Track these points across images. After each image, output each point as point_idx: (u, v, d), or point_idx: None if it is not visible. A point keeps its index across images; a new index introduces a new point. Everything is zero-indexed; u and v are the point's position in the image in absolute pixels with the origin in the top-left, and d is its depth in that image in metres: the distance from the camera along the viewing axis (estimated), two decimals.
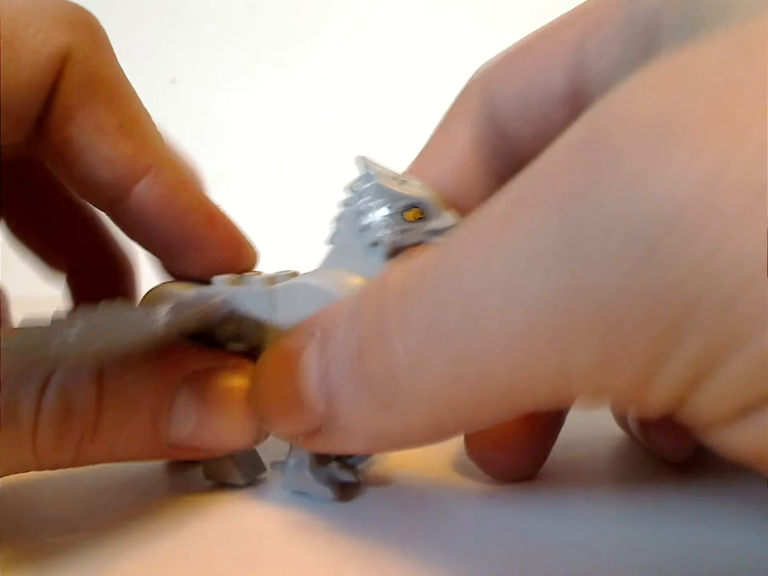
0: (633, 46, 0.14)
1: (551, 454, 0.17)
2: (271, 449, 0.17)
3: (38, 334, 0.12)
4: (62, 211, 0.21)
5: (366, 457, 0.17)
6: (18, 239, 0.21)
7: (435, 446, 0.15)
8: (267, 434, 0.16)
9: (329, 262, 0.17)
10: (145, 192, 0.16)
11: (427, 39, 0.63)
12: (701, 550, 0.13)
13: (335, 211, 0.17)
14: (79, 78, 0.15)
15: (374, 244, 0.15)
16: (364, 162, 0.16)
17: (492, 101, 0.17)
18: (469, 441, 0.16)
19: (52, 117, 0.15)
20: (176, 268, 0.18)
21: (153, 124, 0.17)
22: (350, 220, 0.16)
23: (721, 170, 0.07)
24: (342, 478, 0.16)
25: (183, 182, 0.17)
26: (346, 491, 0.16)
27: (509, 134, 0.17)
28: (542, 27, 0.16)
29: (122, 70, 0.16)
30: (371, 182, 0.15)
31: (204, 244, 0.17)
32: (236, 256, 0.17)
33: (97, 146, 0.15)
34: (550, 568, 0.13)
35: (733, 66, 0.08)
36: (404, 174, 0.17)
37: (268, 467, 0.17)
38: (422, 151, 0.19)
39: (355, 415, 0.12)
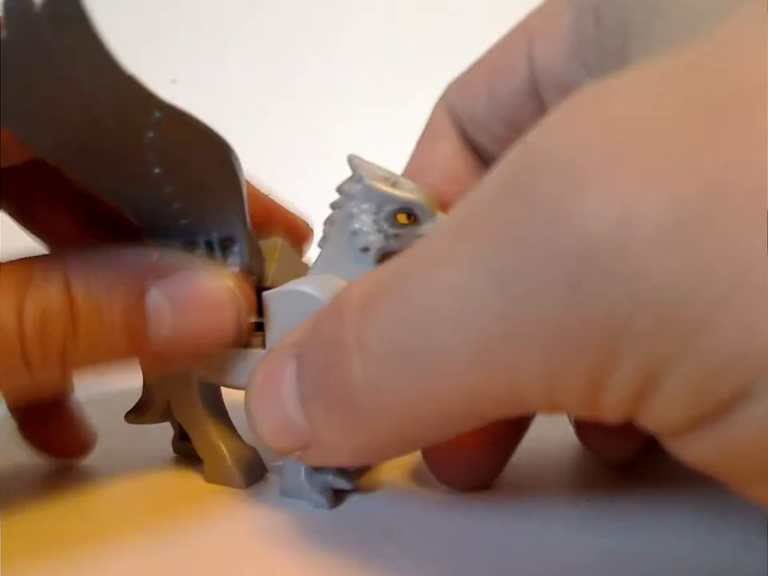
0: (580, 37, 0.14)
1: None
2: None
3: None
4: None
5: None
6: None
7: None
8: (248, 329, 0.16)
9: (319, 267, 0.16)
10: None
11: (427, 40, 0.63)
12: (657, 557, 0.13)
13: (326, 214, 0.16)
14: None
15: (364, 249, 0.15)
16: (355, 161, 0.16)
17: (457, 117, 0.17)
18: (424, 452, 0.16)
19: None
20: None
21: None
22: (340, 224, 0.16)
23: (631, 208, 0.07)
24: (337, 486, 0.16)
25: None
26: (340, 497, 0.16)
27: (482, 145, 0.17)
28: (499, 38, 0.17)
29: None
30: (361, 183, 0.15)
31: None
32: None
33: None
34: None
35: (647, 100, 0.08)
36: (397, 174, 0.17)
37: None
38: (405, 168, 0.19)
39: (330, 432, 0.12)
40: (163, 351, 0.15)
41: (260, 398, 0.13)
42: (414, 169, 0.18)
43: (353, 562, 0.14)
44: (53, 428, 0.19)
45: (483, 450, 0.16)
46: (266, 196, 0.19)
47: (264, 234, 0.17)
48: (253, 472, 0.17)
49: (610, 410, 0.09)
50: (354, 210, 0.15)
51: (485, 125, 0.17)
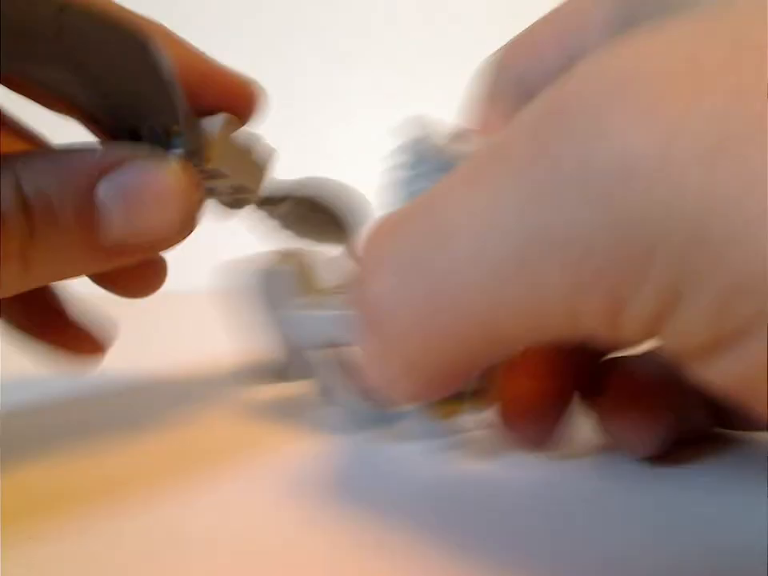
0: (621, 19, 0.14)
1: None
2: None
3: None
4: None
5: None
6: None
7: None
8: (195, 223, 0.16)
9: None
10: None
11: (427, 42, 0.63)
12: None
13: (389, 175, 0.16)
14: None
15: None
16: (420, 122, 0.15)
17: (519, 77, 0.17)
18: (498, 410, 0.17)
19: None
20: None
21: None
22: (403, 185, 0.16)
23: (676, 126, 0.08)
24: (441, 433, 0.17)
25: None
26: (460, 439, 0.17)
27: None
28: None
29: None
30: (425, 144, 0.15)
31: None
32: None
33: None
34: None
35: (691, 41, 0.08)
36: (463, 132, 0.17)
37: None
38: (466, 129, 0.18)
39: (371, 355, 0.13)
40: (117, 245, 0.15)
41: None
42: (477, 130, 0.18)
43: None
44: (61, 329, 0.20)
45: (554, 407, 0.16)
46: (206, 60, 0.18)
47: (206, 103, 0.17)
48: (380, 417, 0.19)
49: (632, 327, 0.09)
50: (419, 169, 0.15)
51: (531, 80, 0.17)
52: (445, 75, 0.63)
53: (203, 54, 0.18)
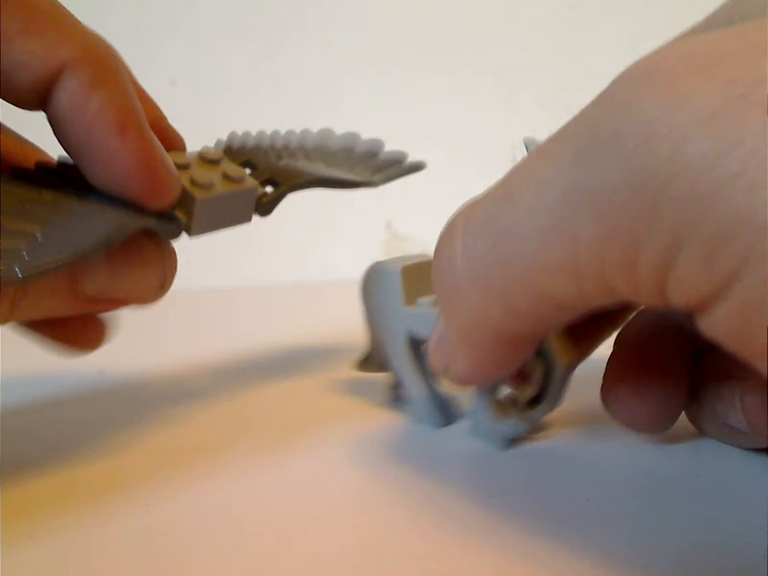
0: None
1: None
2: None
3: None
4: None
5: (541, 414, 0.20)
6: None
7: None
8: (168, 287, 0.18)
9: None
10: (59, 93, 0.15)
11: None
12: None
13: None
14: None
15: None
16: (532, 142, 0.18)
17: None
18: (603, 392, 0.18)
19: None
20: (89, 178, 0.16)
21: (67, 14, 0.16)
22: None
23: (683, 100, 0.10)
24: (514, 432, 0.19)
25: (99, 81, 0.15)
26: (515, 442, 0.19)
27: None
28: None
29: None
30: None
31: (110, 156, 0.15)
32: (148, 176, 0.16)
33: (6, 54, 0.14)
34: None
35: (705, 46, 0.10)
36: None
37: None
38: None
39: (444, 319, 0.15)
40: (98, 296, 0.17)
41: (434, 327, 0.16)
42: None
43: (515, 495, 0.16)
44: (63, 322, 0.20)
45: (664, 388, 0.17)
46: (155, 108, 0.19)
47: None
48: (449, 414, 0.21)
49: (645, 279, 0.11)
50: None
51: None
52: (443, 76, 0.63)
53: (151, 100, 0.19)
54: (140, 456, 0.19)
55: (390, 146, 0.27)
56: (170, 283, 0.18)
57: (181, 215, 0.18)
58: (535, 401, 0.19)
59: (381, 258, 0.21)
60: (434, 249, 0.15)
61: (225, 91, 0.66)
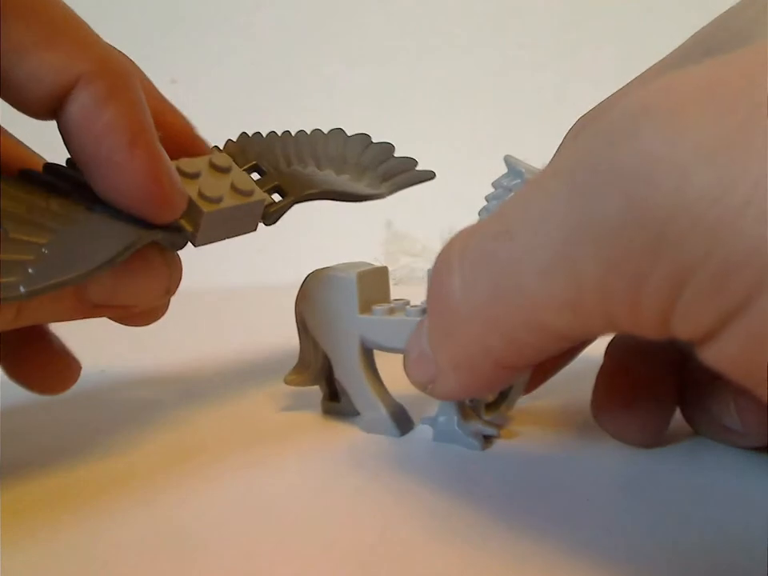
0: None
1: None
2: (420, 409, 0.21)
3: None
4: None
5: (502, 418, 0.21)
6: None
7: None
8: (173, 292, 0.18)
9: None
10: (72, 105, 0.15)
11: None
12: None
13: (472, 206, 0.18)
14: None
15: None
16: (512, 160, 0.18)
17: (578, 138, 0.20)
18: (595, 404, 0.18)
19: None
20: (96, 190, 0.16)
21: (83, 27, 0.16)
22: (498, 196, 0.18)
23: (680, 134, 0.10)
24: (486, 432, 0.19)
25: (112, 95, 0.15)
26: (488, 442, 0.19)
27: None
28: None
29: None
30: (521, 179, 0.17)
31: (118, 170, 0.16)
32: (154, 191, 0.16)
33: (22, 65, 0.15)
34: None
35: (701, 78, 0.10)
36: None
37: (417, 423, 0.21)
38: None
39: (433, 344, 0.15)
40: (103, 303, 0.17)
41: (410, 341, 0.16)
42: None
43: (501, 491, 0.17)
44: (34, 363, 0.20)
45: (654, 402, 0.17)
46: (174, 111, 0.19)
47: (169, 151, 0.17)
48: (405, 423, 0.21)
49: (649, 314, 0.10)
50: None
51: None
52: (443, 77, 0.63)
53: (176, 111, 0.20)
54: (139, 456, 0.19)
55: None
56: (175, 290, 0.18)
57: (187, 226, 0.18)
58: (495, 402, 0.20)
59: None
60: (429, 277, 0.15)
61: (224, 90, 0.66)
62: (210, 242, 0.19)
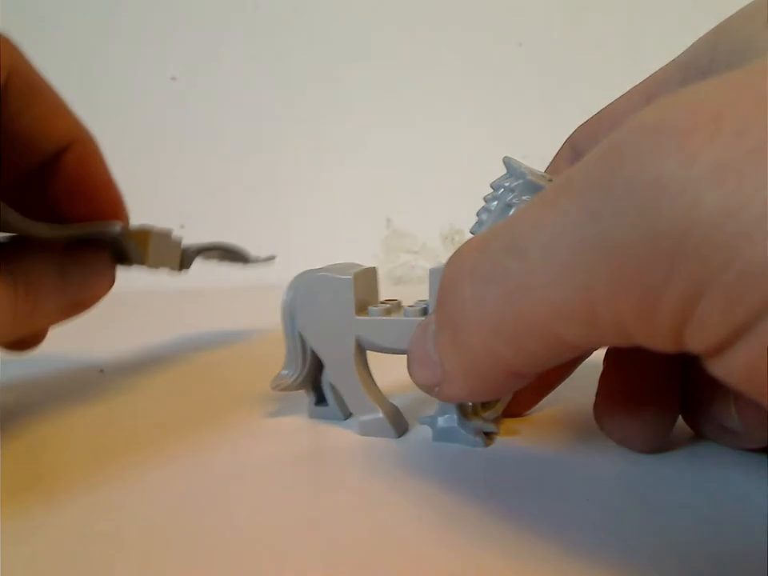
0: None
1: None
2: (417, 410, 0.22)
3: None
4: None
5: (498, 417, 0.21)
6: None
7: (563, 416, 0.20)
8: (113, 281, 0.25)
9: None
10: (70, 155, 0.23)
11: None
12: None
13: (471, 205, 0.18)
14: (21, 84, 0.21)
15: None
16: (512, 161, 0.18)
17: (576, 148, 0.22)
18: (598, 410, 0.18)
19: (6, 111, 0.21)
20: (67, 211, 0.24)
21: (68, 106, 0.23)
22: (496, 212, 0.18)
23: (695, 155, 0.10)
24: (486, 429, 0.19)
25: (94, 152, 0.24)
26: (489, 440, 0.20)
27: None
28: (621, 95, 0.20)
29: (37, 69, 0.22)
30: (523, 179, 0.17)
31: (97, 201, 0.24)
32: (120, 208, 0.25)
33: (40, 128, 0.22)
34: None
35: (710, 96, 0.11)
36: (547, 173, 0.19)
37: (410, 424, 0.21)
38: None
39: (441, 350, 0.15)
40: (74, 305, 0.23)
41: (415, 341, 0.17)
42: None
43: (502, 487, 0.17)
44: None
45: (656, 406, 0.18)
46: (109, 176, 0.25)
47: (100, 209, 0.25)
48: (401, 424, 0.21)
49: (663, 327, 0.11)
50: (514, 200, 0.18)
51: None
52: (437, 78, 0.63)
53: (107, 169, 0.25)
54: (137, 456, 0.20)
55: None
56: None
57: (139, 245, 0.26)
58: (488, 401, 0.20)
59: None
60: (439, 287, 0.15)
61: (223, 88, 0.66)
62: (155, 266, 0.26)
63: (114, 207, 0.25)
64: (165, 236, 0.28)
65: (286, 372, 0.22)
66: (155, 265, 0.27)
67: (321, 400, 0.22)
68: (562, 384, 0.21)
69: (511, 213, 0.18)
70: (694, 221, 0.10)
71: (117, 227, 0.24)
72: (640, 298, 0.11)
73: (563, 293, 0.12)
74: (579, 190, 0.12)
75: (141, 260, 0.25)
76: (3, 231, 0.21)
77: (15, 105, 0.21)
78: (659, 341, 0.11)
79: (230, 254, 0.34)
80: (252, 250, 0.38)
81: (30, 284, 0.21)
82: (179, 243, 0.29)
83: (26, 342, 0.25)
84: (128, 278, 0.27)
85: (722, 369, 0.10)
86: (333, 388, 0.21)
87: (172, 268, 0.28)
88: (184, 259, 0.29)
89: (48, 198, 0.24)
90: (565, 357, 0.13)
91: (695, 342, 0.10)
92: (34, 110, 0.22)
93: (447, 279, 0.15)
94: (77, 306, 0.24)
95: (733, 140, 0.10)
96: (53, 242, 0.23)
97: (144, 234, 0.26)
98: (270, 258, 0.38)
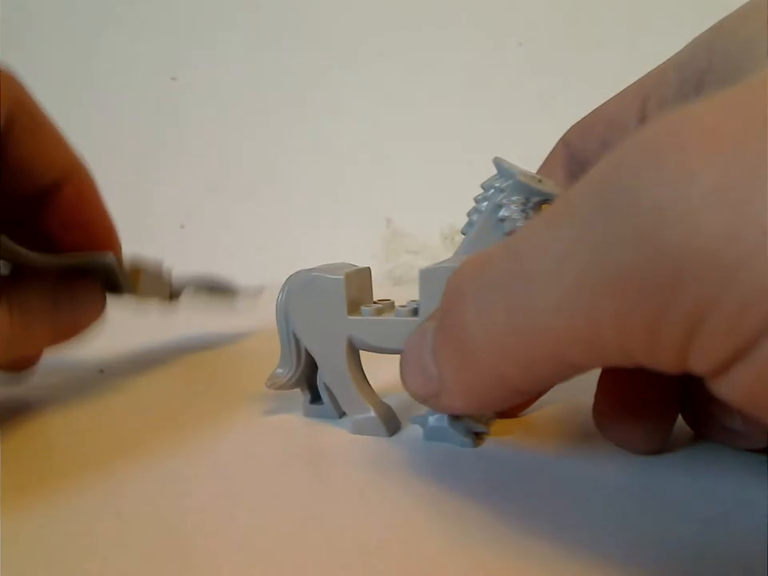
0: (683, 101, 0.17)
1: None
2: (409, 409, 0.21)
3: None
4: None
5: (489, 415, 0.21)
6: None
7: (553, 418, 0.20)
8: (104, 309, 0.26)
9: (466, 248, 0.19)
10: (68, 187, 0.24)
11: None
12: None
13: (470, 204, 0.19)
14: (23, 118, 0.22)
15: (511, 233, 0.17)
16: (502, 162, 0.18)
17: (574, 153, 0.22)
18: (597, 413, 0.18)
19: (8, 144, 0.22)
20: (61, 241, 0.25)
21: (67, 140, 0.25)
22: (487, 212, 0.18)
23: (692, 177, 0.10)
24: (477, 430, 0.20)
25: (89, 185, 0.25)
26: (479, 440, 0.20)
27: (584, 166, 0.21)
28: (617, 93, 0.20)
29: (39, 104, 0.23)
30: (513, 180, 0.17)
31: (90, 232, 0.25)
32: (115, 239, 0.27)
33: (40, 159, 0.23)
34: None
35: (709, 115, 0.10)
36: (538, 174, 0.19)
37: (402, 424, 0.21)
38: None
39: (442, 367, 0.15)
40: (67, 330, 0.24)
41: (410, 352, 0.16)
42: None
43: (492, 488, 0.17)
44: None
45: (654, 409, 0.18)
46: (104, 210, 0.26)
47: (91, 240, 0.26)
48: (393, 423, 0.21)
49: (667, 351, 0.11)
50: (504, 200, 0.18)
51: (589, 149, 0.21)
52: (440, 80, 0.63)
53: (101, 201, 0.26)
54: (134, 456, 0.20)
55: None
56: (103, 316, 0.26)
57: (130, 276, 0.27)
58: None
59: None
60: (441, 306, 0.15)
61: (223, 88, 0.66)
62: (146, 297, 0.28)
63: (107, 238, 0.26)
64: (156, 268, 0.29)
65: (281, 371, 0.22)
66: (146, 295, 0.28)
67: (316, 399, 0.22)
68: (560, 384, 0.21)
69: (501, 213, 0.18)
70: (694, 247, 0.10)
71: (109, 257, 0.24)
72: (643, 321, 0.11)
73: (569, 319, 0.12)
74: (581, 215, 0.12)
75: (132, 290, 0.27)
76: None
77: (16, 137, 0.22)
78: (663, 363, 0.11)
79: (218, 289, 0.36)
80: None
81: (25, 310, 0.22)
82: (169, 275, 0.30)
83: (20, 363, 0.26)
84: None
85: (725, 389, 0.10)
86: (327, 387, 0.22)
87: (162, 299, 0.30)
88: (173, 291, 0.31)
89: (43, 227, 0.25)
90: (570, 376, 0.13)
91: (698, 364, 0.11)
92: (35, 143, 0.23)
93: (449, 300, 0.15)
94: (69, 332, 0.24)
95: (732, 162, 0.10)
96: (47, 270, 0.23)
97: (135, 265, 0.27)
98: (259, 292, 0.38)
